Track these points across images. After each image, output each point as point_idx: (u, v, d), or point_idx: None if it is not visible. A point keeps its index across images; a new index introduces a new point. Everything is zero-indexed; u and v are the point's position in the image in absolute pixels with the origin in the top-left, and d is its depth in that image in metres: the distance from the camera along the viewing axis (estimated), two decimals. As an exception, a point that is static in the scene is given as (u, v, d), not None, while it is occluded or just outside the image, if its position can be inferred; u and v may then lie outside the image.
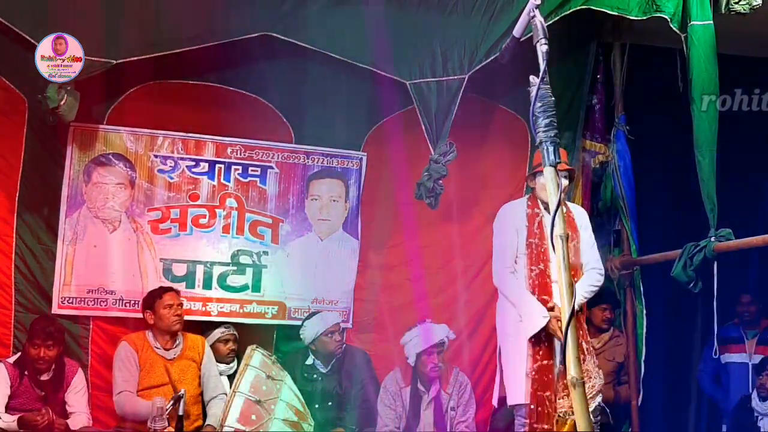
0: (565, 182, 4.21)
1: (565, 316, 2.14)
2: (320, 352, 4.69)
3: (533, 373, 4.07)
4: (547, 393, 4.04)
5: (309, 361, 4.73)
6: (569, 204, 4.49)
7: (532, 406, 4.04)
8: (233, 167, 4.96)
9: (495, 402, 4.45)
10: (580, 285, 4.24)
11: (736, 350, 5.53)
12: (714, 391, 5.64)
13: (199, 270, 4.87)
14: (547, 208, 4.21)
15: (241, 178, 4.98)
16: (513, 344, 4.20)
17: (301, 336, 4.70)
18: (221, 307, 4.88)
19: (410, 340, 4.67)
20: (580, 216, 4.46)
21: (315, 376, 4.68)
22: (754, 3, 4.40)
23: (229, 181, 4.96)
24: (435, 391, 4.65)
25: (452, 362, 4.99)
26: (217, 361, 4.67)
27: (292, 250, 5.02)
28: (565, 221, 2.25)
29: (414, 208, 5.01)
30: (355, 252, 5.12)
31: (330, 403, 4.63)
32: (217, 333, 4.76)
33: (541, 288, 4.16)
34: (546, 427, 3.98)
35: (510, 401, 4.25)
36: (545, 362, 4.08)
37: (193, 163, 4.92)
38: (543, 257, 4.18)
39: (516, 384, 4.17)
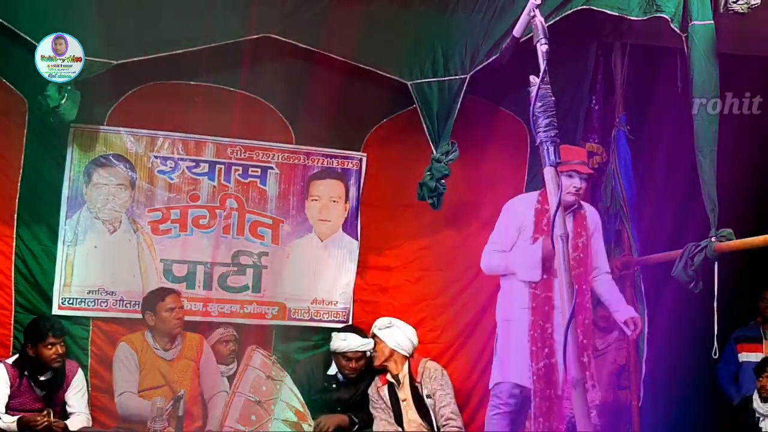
0: (583, 184, 4.24)
1: (565, 316, 2.14)
2: (339, 366, 4.70)
3: (539, 371, 4.07)
4: (555, 391, 4.03)
5: (331, 371, 4.73)
6: (585, 204, 4.48)
7: (543, 405, 4.04)
8: (233, 168, 4.97)
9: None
10: (608, 290, 4.40)
11: (752, 349, 5.54)
12: (729, 390, 5.64)
13: (200, 270, 4.87)
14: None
15: (241, 179, 4.98)
16: (514, 329, 4.22)
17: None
18: (221, 308, 4.88)
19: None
20: (593, 217, 4.49)
21: (334, 386, 4.69)
22: (753, 2, 4.39)
23: (229, 182, 4.96)
24: (405, 380, 4.66)
25: (452, 363, 4.99)
26: (218, 363, 4.65)
27: (292, 251, 5.02)
28: (564, 221, 2.25)
29: (414, 209, 5.01)
30: (355, 253, 5.12)
31: (339, 408, 4.63)
32: (217, 334, 4.75)
33: (544, 284, 4.15)
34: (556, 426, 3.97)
35: (492, 381, 4.30)
36: (553, 360, 4.08)
37: (194, 164, 4.92)
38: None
39: (502, 363, 4.21)
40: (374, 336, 4.70)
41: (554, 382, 4.06)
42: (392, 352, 4.63)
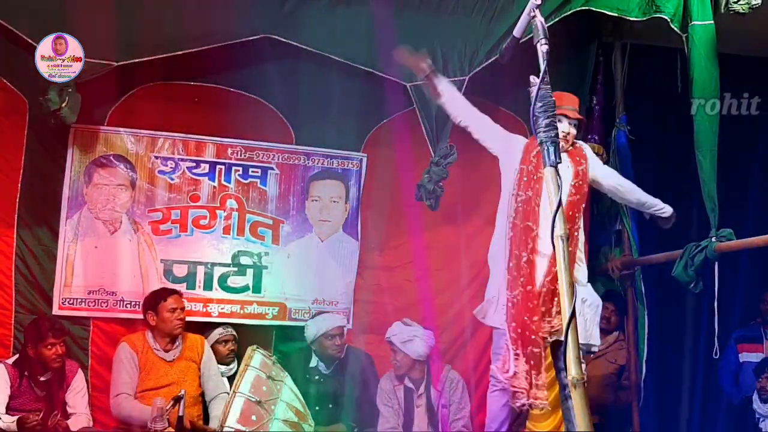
0: (572, 130, 4.13)
1: (565, 317, 2.13)
2: (320, 353, 4.69)
3: (515, 298, 3.96)
4: (531, 317, 3.91)
5: (312, 363, 4.73)
6: (578, 142, 4.32)
7: (518, 331, 3.92)
8: (234, 168, 4.97)
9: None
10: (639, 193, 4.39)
11: (753, 349, 5.54)
12: (731, 390, 5.64)
13: (200, 271, 4.88)
14: None
15: (241, 179, 4.98)
16: (501, 269, 4.12)
17: (305, 335, 4.72)
18: (222, 308, 4.88)
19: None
20: (589, 150, 4.38)
21: (317, 377, 4.68)
22: (753, 2, 4.40)
23: (229, 182, 4.96)
24: (424, 387, 4.66)
25: (452, 364, 4.99)
26: (218, 362, 4.66)
27: (292, 251, 5.03)
28: (565, 222, 2.24)
29: (414, 209, 5.00)
30: (355, 253, 5.13)
31: (330, 405, 4.63)
32: (216, 334, 4.76)
33: (526, 213, 3.99)
34: (530, 350, 3.87)
35: (488, 321, 4.21)
36: (528, 288, 3.96)
37: (194, 164, 4.92)
38: (534, 185, 4.01)
39: (498, 307, 4.10)
40: (391, 343, 4.68)
41: (532, 308, 3.89)
42: (414, 362, 4.63)
